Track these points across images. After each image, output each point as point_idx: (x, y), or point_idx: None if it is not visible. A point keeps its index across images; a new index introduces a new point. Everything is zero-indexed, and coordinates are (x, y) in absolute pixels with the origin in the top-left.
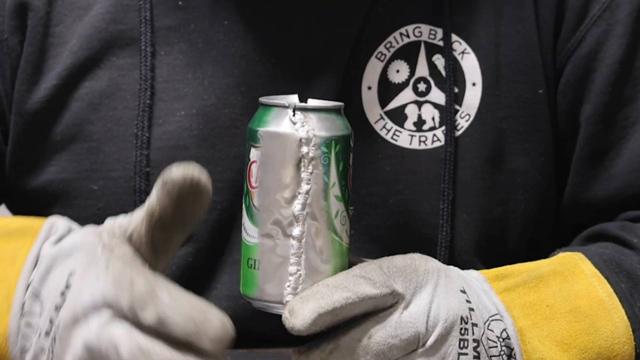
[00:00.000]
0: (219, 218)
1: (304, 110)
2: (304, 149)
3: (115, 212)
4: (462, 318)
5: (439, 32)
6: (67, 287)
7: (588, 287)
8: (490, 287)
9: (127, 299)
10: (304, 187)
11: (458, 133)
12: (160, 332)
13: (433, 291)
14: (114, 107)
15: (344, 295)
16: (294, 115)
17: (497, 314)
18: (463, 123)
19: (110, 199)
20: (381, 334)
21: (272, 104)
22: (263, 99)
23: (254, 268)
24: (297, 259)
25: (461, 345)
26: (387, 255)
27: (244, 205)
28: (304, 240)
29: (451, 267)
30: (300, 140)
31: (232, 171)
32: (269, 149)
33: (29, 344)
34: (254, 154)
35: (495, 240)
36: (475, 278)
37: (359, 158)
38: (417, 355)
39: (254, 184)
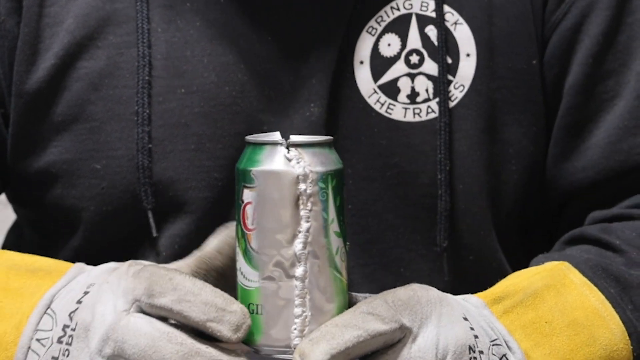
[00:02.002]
0: (219, 195)
1: (298, 146)
2: (302, 186)
3: (120, 191)
4: (470, 347)
5: (431, 4)
6: (85, 293)
7: (581, 298)
8: (491, 313)
9: (145, 286)
10: (304, 225)
11: (452, 104)
12: (179, 318)
13: (438, 322)
14: (113, 85)
15: (355, 334)
16: (288, 152)
17: (496, 339)
18: (457, 94)
19: (114, 177)
20: None
21: (263, 142)
22: (250, 138)
23: (257, 313)
24: (301, 300)
25: None
26: (386, 230)
27: (239, 249)
28: (307, 280)
29: (449, 295)
30: (297, 177)
31: (233, 148)
32: (264, 188)
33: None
34: (247, 195)
35: (492, 210)
36: (474, 304)
37: (354, 133)
38: None
39: (250, 226)
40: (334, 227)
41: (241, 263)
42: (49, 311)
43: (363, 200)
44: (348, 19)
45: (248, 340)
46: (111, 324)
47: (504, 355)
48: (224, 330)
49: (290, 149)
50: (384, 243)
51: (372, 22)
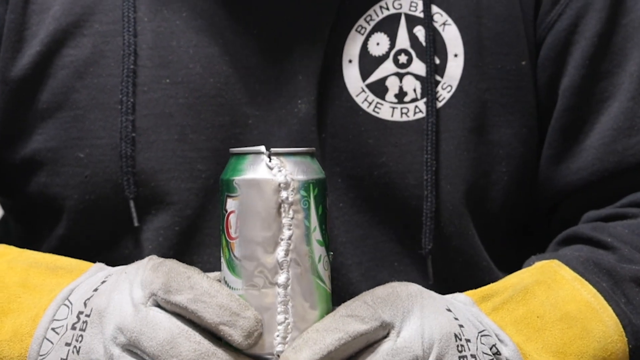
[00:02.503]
0: (202, 186)
1: (280, 155)
2: (284, 194)
3: (103, 180)
4: (455, 335)
5: (420, 4)
6: (102, 282)
7: (572, 292)
8: (479, 310)
9: (163, 281)
10: (286, 233)
11: (440, 104)
12: (192, 318)
13: (421, 314)
14: (98, 74)
15: (335, 337)
16: (270, 160)
17: (484, 330)
18: (445, 94)
19: (97, 166)
20: None
21: (245, 152)
22: (234, 150)
23: None
24: (284, 307)
25: None
26: (378, 225)
27: (223, 259)
28: (289, 287)
29: (431, 291)
30: (279, 185)
31: (216, 140)
32: (247, 197)
33: (50, 347)
34: (231, 204)
35: (479, 211)
36: (462, 302)
37: (342, 131)
38: None
39: (233, 235)
40: (316, 235)
41: (225, 272)
42: (66, 302)
43: (354, 197)
44: (335, 15)
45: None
46: (129, 313)
47: (494, 345)
48: (235, 335)
49: (272, 157)
50: (376, 238)
51: (361, 21)
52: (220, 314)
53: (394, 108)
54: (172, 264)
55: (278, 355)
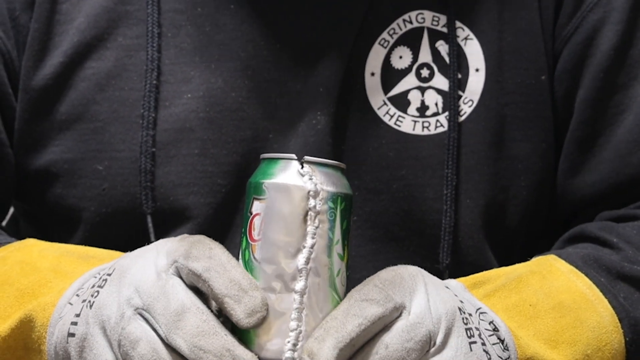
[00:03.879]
0: (222, 201)
1: (312, 163)
2: (312, 202)
3: (121, 193)
4: (459, 308)
5: (442, 19)
6: (124, 257)
7: (567, 283)
8: (472, 295)
9: (186, 248)
10: (309, 241)
11: (461, 119)
12: (204, 287)
13: (425, 290)
14: (120, 87)
15: (356, 323)
16: (302, 167)
17: (481, 307)
18: (466, 109)
19: (116, 179)
20: (396, 341)
21: (277, 157)
22: (266, 155)
23: None
24: (298, 314)
25: (469, 334)
26: (391, 241)
27: (241, 261)
28: (306, 295)
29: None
30: (309, 192)
31: (237, 154)
32: (275, 201)
33: (70, 308)
34: (257, 206)
35: (498, 226)
36: (453, 286)
37: (362, 144)
38: (430, 355)
39: (256, 237)
40: (338, 248)
41: None
42: (95, 274)
43: (369, 211)
44: (358, 29)
45: None
46: (149, 278)
47: (492, 321)
48: (238, 310)
49: (304, 165)
50: (388, 254)
51: (385, 34)
52: (228, 287)
53: (415, 122)
54: (200, 237)
55: None
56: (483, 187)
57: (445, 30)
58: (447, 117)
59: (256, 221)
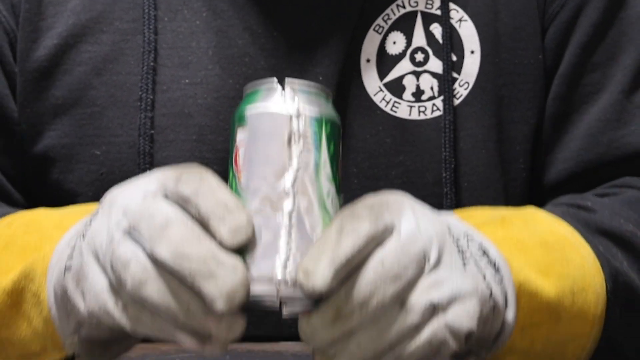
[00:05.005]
0: None
1: (294, 87)
2: (295, 124)
3: (119, 178)
4: (448, 229)
5: (436, 1)
6: (115, 187)
7: (550, 227)
8: (459, 221)
9: (176, 174)
10: (295, 163)
11: (457, 102)
12: (192, 209)
13: (413, 212)
14: (117, 71)
15: (350, 240)
16: (283, 91)
17: (468, 231)
18: (462, 91)
19: (114, 164)
20: (392, 256)
21: (260, 84)
22: (249, 84)
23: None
24: (287, 233)
25: (461, 256)
26: None
27: None
28: (294, 214)
29: None
30: (291, 116)
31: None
32: (258, 127)
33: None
34: (241, 135)
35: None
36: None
37: (360, 131)
38: (426, 272)
39: (241, 165)
40: (326, 170)
41: None
42: (89, 216)
43: None
44: (357, 16)
45: None
46: (136, 200)
47: (481, 244)
48: (222, 229)
49: (287, 89)
50: None
51: (379, 20)
52: (214, 207)
53: (411, 107)
54: (192, 164)
55: (279, 284)
56: (482, 169)
57: (439, 12)
58: (443, 100)
59: (241, 151)
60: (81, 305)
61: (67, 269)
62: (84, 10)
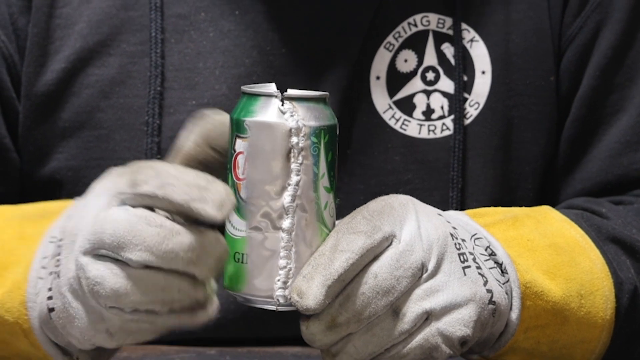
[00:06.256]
0: None
1: (293, 99)
2: (294, 139)
3: None
4: (451, 234)
5: (448, 21)
6: (69, 218)
7: (561, 229)
8: (470, 218)
9: (128, 178)
10: (294, 178)
11: (467, 122)
12: (164, 205)
13: (416, 218)
14: (124, 94)
15: (344, 258)
16: (282, 104)
17: (476, 233)
18: (472, 111)
19: None
20: (385, 269)
21: (258, 93)
22: (246, 88)
23: (242, 262)
24: (287, 252)
25: (462, 259)
26: None
27: None
28: (293, 232)
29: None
30: (290, 130)
31: None
32: (257, 139)
33: (42, 283)
34: (240, 145)
35: None
36: (448, 214)
37: (368, 148)
38: (423, 281)
39: (240, 176)
40: (324, 182)
41: (230, 213)
42: (51, 239)
43: None
44: (365, 34)
45: (232, 288)
46: (90, 220)
47: (488, 246)
48: (208, 208)
49: (285, 101)
50: None
51: (390, 38)
52: (189, 192)
53: (421, 125)
54: (138, 163)
55: (278, 300)
56: (489, 189)
57: (450, 32)
58: (453, 120)
59: (240, 160)
60: (74, 341)
61: (50, 310)
62: (91, 33)
